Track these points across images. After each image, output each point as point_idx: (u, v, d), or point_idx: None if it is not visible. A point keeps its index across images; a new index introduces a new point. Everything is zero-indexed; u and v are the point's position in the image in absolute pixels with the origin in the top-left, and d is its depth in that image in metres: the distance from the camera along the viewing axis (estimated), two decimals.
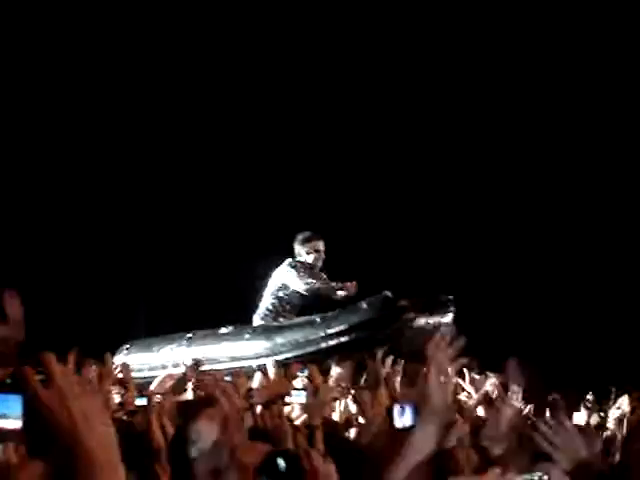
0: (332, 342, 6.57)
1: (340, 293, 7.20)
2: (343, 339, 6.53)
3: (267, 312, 7.44)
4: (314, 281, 7.22)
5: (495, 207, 10.81)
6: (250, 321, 7.54)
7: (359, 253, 9.76)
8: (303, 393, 2.65)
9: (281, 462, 2.26)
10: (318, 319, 6.93)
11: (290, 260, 7.40)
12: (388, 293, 6.65)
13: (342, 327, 6.62)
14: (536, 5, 10.54)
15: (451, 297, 6.82)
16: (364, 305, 6.71)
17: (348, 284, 7.25)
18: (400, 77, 10.72)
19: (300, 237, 7.46)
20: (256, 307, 7.55)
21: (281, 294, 7.41)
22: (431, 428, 2.20)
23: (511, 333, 9.60)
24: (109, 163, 10.38)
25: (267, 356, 6.79)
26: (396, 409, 2.30)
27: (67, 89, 10.20)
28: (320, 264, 7.41)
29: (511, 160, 10.75)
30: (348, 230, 9.93)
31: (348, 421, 4.28)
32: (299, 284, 7.25)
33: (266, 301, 7.47)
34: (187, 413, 2.74)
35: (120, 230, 10.44)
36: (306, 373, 3.11)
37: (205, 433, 2.57)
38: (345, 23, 10.64)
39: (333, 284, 7.28)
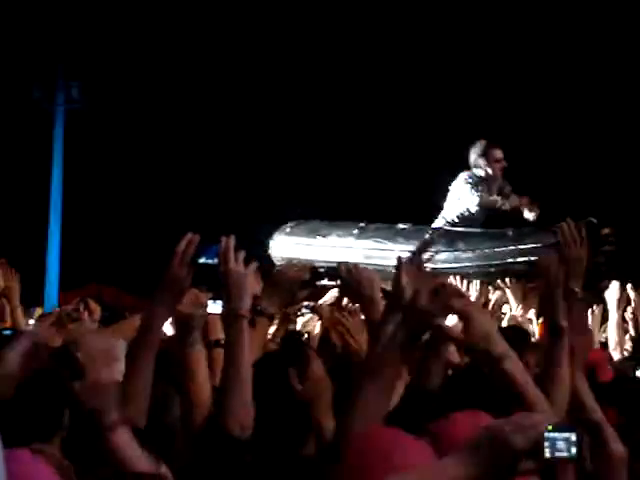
0: (522, 258, 6.04)
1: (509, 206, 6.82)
2: (535, 257, 5.98)
3: (446, 224, 7.05)
4: (487, 195, 6.82)
5: None
6: None
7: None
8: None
9: None
10: (510, 232, 6.45)
11: (465, 174, 6.97)
12: (593, 219, 6.07)
13: (536, 245, 6.07)
14: None
15: None
16: None
17: (524, 200, 6.86)
18: None
19: (475, 148, 6.99)
20: (435, 218, 7.19)
21: (459, 208, 6.97)
22: None
23: None
24: None
25: (444, 262, 6.34)
26: None
27: None
28: (499, 174, 6.94)
29: None
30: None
31: None
32: (472, 199, 6.84)
33: (446, 214, 7.06)
34: None
35: None
36: None
37: None
38: None
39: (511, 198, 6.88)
